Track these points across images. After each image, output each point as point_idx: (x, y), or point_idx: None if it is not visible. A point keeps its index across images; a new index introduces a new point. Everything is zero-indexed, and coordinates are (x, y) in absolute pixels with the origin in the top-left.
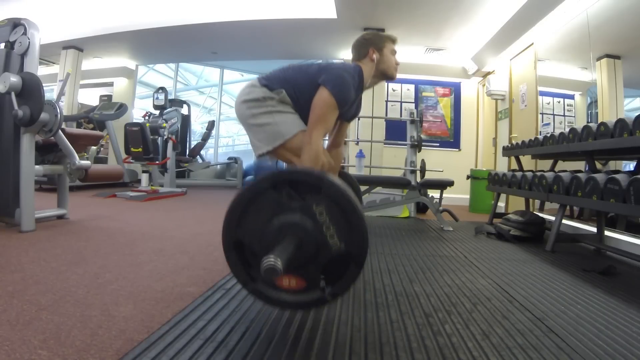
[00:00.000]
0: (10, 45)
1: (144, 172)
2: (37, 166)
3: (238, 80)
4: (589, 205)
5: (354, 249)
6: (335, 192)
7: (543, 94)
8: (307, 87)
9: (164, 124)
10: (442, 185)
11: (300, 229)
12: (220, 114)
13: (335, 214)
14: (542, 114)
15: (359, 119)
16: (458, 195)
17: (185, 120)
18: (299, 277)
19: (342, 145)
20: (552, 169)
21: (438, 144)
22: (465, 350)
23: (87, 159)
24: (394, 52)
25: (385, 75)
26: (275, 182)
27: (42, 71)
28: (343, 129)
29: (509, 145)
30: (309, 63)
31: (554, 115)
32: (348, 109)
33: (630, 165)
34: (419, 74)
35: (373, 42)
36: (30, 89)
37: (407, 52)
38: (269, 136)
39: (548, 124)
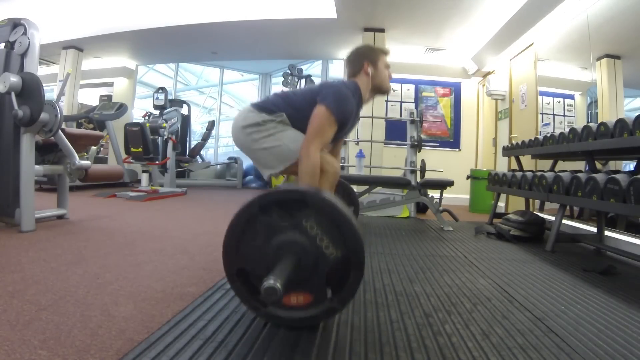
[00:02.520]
0: (10, 45)
1: (144, 172)
2: (37, 166)
3: (238, 81)
4: (589, 205)
5: (351, 254)
6: (321, 203)
7: (543, 94)
8: (307, 106)
9: (164, 124)
10: (442, 185)
11: (295, 246)
12: (220, 114)
13: (325, 224)
14: (542, 114)
15: (359, 119)
16: (458, 195)
17: (185, 120)
18: (304, 293)
19: (338, 156)
20: (552, 169)
21: (438, 144)
22: (465, 350)
23: (87, 159)
24: (387, 66)
25: (380, 89)
26: (262, 206)
27: (42, 71)
28: (338, 145)
29: (509, 145)
30: (305, 89)
31: (554, 115)
32: (349, 127)
33: (630, 165)
34: (419, 74)
35: (367, 56)
36: (30, 89)
37: (407, 52)
38: (279, 157)
39: (548, 124)
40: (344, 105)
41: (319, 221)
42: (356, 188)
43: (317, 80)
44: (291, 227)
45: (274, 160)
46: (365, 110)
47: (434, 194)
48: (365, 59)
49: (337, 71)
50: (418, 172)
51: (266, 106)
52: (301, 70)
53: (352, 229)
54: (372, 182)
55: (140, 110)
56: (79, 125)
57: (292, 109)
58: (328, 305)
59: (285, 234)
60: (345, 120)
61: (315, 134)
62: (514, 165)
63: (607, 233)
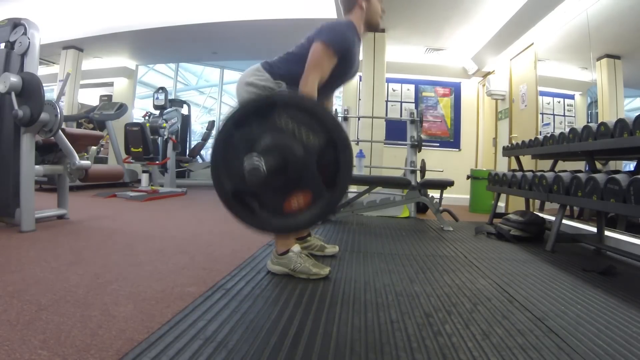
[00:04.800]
0: (10, 45)
1: (144, 172)
2: (37, 166)
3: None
4: (589, 205)
5: (332, 136)
6: (288, 98)
7: (543, 94)
8: (306, 52)
9: (164, 124)
10: (442, 185)
11: (277, 146)
12: (221, 114)
13: (298, 117)
14: (542, 114)
15: (359, 119)
16: (458, 195)
17: (186, 120)
18: (303, 192)
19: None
20: (552, 169)
21: (438, 144)
22: (465, 350)
23: (87, 159)
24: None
25: (371, 23)
26: (235, 121)
27: (42, 71)
28: (330, 98)
29: (509, 145)
30: (303, 40)
31: (554, 115)
32: (351, 64)
33: (630, 165)
34: (419, 74)
35: None
36: (30, 89)
37: (407, 52)
38: None
39: (548, 124)
40: (340, 36)
41: (291, 115)
42: (356, 188)
43: None
44: (268, 131)
45: None
46: (365, 110)
47: (434, 194)
48: None
49: None
50: (418, 172)
51: (273, 69)
52: None
53: (324, 113)
54: (372, 182)
55: (140, 110)
56: (79, 125)
57: (294, 63)
58: (329, 197)
59: (265, 139)
60: (346, 52)
61: (313, 67)
62: (514, 165)
63: (607, 233)
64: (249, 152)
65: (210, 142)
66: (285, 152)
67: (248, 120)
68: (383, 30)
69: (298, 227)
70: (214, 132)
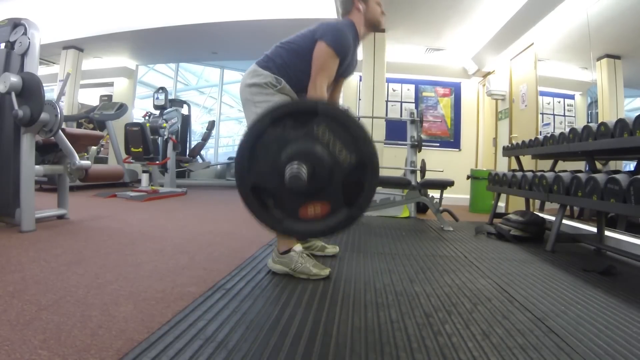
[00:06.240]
0: (10, 45)
1: (144, 172)
2: (37, 166)
3: (238, 81)
4: (589, 205)
5: (364, 157)
6: (332, 110)
7: (543, 94)
8: (308, 47)
9: (164, 124)
10: (442, 185)
11: (309, 153)
12: (221, 114)
13: (337, 130)
14: (542, 114)
15: (359, 119)
16: (458, 195)
17: (186, 120)
18: (322, 202)
19: (338, 98)
20: (552, 169)
21: (438, 144)
22: (465, 350)
23: (87, 159)
24: (378, 3)
25: (373, 24)
26: (273, 118)
27: (42, 71)
28: (338, 87)
29: (509, 145)
30: (304, 31)
31: (554, 115)
32: (348, 63)
33: (630, 165)
34: (419, 74)
35: None
36: (30, 89)
37: (407, 52)
38: None
39: (548, 124)
40: (342, 39)
41: (330, 126)
42: None
43: None
44: (303, 136)
45: None
46: (365, 110)
47: (434, 194)
48: None
49: None
50: (418, 172)
51: (269, 62)
52: None
53: (363, 133)
54: None
55: (140, 110)
56: (79, 125)
57: (293, 71)
58: (347, 213)
59: (298, 143)
60: (344, 55)
61: (320, 69)
62: (514, 165)
63: (607, 233)
64: (279, 151)
65: (211, 142)
66: (316, 164)
67: (285, 120)
68: (383, 31)
69: (308, 234)
70: (213, 132)
